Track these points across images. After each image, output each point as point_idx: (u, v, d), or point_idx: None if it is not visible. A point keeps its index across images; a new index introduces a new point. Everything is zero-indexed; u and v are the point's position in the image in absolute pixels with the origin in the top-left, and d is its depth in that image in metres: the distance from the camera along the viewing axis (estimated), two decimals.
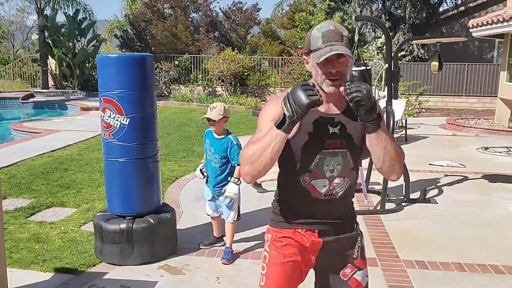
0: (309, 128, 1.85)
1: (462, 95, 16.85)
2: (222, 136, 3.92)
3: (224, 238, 4.28)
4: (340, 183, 1.92)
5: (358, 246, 2.05)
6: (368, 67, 5.36)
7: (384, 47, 11.49)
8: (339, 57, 1.78)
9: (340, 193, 1.94)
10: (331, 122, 1.87)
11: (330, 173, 1.89)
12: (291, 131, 1.73)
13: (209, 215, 4.20)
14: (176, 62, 18.83)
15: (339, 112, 1.90)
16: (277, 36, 20.43)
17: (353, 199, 2.11)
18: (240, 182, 3.81)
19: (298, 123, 1.76)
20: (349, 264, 2.03)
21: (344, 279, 2.02)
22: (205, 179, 4.10)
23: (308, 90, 1.67)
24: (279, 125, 1.71)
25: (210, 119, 3.85)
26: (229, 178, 3.88)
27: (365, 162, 6.14)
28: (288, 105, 1.68)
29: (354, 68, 5.14)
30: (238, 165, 3.73)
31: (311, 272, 2.09)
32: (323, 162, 1.87)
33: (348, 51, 1.76)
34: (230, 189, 3.82)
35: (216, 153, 3.91)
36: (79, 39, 20.31)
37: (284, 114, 1.69)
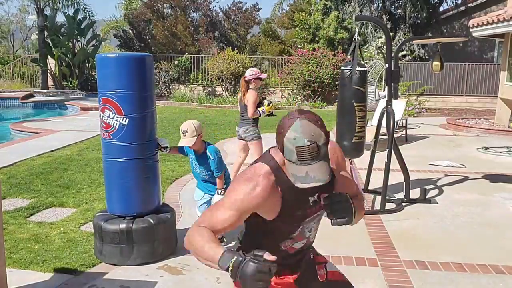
0: (291, 206, 1.81)
1: (462, 95, 16.85)
2: (202, 152, 4.03)
3: (224, 238, 4.28)
4: (314, 233, 2.04)
5: (311, 252, 2.14)
6: (365, 68, 5.36)
7: (384, 47, 11.49)
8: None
9: (312, 240, 2.06)
10: (310, 193, 1.84)
11: (309, 233, 1.99)
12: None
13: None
14: (176, 62, 18.82)
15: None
16: (277, 36, 20.43)
17: None
18: (223, 193, 3.98)
19: (280, 202, 1.77)
20: (316, 266, 2.10)
21: (324, 281, 2.08)
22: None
23: (261, 282, 1.53)
24: (223, 259, 1.59)
25: (189, 146, 3.97)
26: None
27: (365, 162, 6.14)
28: (234, 272, 1.55)
29: (358, 69, 5.14)
30: (220, 177, 4.01)
31: None
32: (305, 228, 1.94)
33: (326, 172, 1.63)
34: (217, 200, 3.93)
35: (201, 167, 4.08)
36: (78, 39, 20.30)
37: (228, 268, 1.57)
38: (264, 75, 5.69)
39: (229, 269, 1.56)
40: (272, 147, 1.85)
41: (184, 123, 3.97)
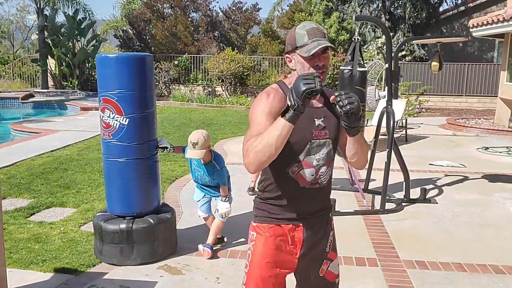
0: (299, 121, 1.90)
1: (462, 95, 16.85)
2: (208, 161, 3.99)
3: (224, 238, 4.28)
4: (324, 172, 2.03)
5: (330, 240, 2.14)
6: (364, 68, 5.36)
7: (384, 47, 11.49)
8: (324, 52, 1.92)
9: (324, 182, 2.04)
10: (316, 114, 2.00)
11: (317, 162, 2.00)
12: (296, 121, 1.79)
13: (200, 216, 4.34)
14: (176, 62, 18.82)
15: (321, 105, 2.03)
16: (277, 36, 20.43)
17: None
18: (227, 199, 4.02)
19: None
20: (324, 260, 2.12)
21: (322, 276, 2.12)
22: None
23: (305, 79, 1.75)
24: (284, 114, 1.79)
25: (201, 159, 3.93)
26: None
27: None
28: (290, 96, 1.76)
29: (359, 69, 5.13)
30: (225, 187, 4.01)
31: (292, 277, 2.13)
32: (311, 152, 1.98)
33: (333, 47, 1.92)
34: (223, 208, 4.00)
35: (205, 175, 4.06)
36: (78, 39, 20.30)
37: (288, 105, 1.78)
38: None
39: (290, 99, 1.76)
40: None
41: (193, 133, 3.87)
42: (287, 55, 1.99)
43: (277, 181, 2.01)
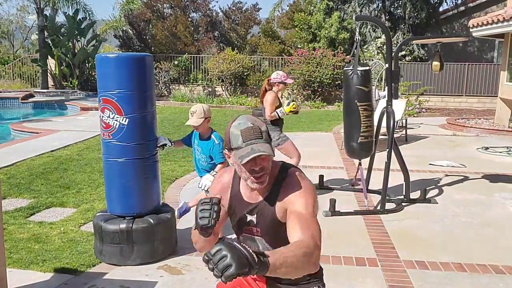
0: (233, 212, 1.98)
1: (462, 95, 16.85)
2: (207, 136, 4.06)
3: (225, 239, 4.29)
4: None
5: None
6: (367, 68, 5.35)
7: (384, 47, 11.49)
8: (258, 157, 1.76)
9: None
10: (249, 210, 1.93)
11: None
12: (208, 234, 1.78)
13: None
14: (176, 62, 18.82)
15: (260, 199, 1.90)
16: (277, 36, 20.43)
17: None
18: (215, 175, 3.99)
19: (228, 204, 1.97)
20: None
21: None
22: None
23: (201, 210, 1.71)
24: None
25: (194, 125, 4.01)
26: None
27: (365, 162, 6.14)
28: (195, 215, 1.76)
29: (359, 68, 5.13)
30: (221, 163, 3.99)
31: None
32: (246, 243, 1.89)
33: (269, 150, 1.75)
34: (205, 180, 3.99)
35: (202, 153, 4.08)
36: (78, 39, 20.30)
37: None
38: (290, 81, 5.44)
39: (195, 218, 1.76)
40: None
41: (193, 105, 4.07)
42: (225, 151, 1.88)
43: None
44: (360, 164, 5.62)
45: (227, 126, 1.85)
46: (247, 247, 1.36)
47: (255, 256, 1.35)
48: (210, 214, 1.69)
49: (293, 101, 5.43)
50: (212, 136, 4.04)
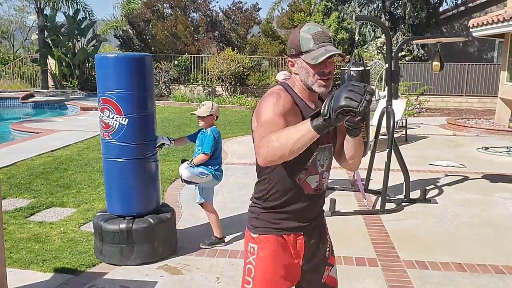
0: None
1: (462, 95, 16.85)
2: (205, 130, 4.16)
3: (225, 238, 4.28)
4: (326, 177, 2.02)
5: (329, 244, 2.12)
6: (367, 67, 5.35)
7: (384, 47, 11.48)
8: (329, 57, 1.79)
9: (324, 187, 2.03)
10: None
11: (322, 168, 1.96)
12: (323, 132, 1.58)
13: (197, 203, 4.34)
14: (176, 62, 18.82)
15: (318, 104, 1.94)
16: (277, 36, 20.44)
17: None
18: (193, 166, 4.04)
19: (302, 118, 1.78)
20: (326, 266, 2.08)
21: (323, 282, 2.08)
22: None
23: (351, 92, 1.49)
24: (313, 117, 1.58)
25: (198, 115, 4.11)
26: (209, 167, 4.10)
27: (365, 162, 6.14)
28: (327, 102, 1.54)
29: (353, 68, 5.13)
30: (204, 153, 4.03)
31: None
32: (317, 158, 1.92)
33: (339, 50, 1.83)
34: (181, 168, 4.05)
35: (200, 145, 4.16)
36: (78, 39, 20.30)
37: (319, 111, 1.56)
38: None
39: (325, 110, 1.52)
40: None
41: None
42: (289, 58, 1.87)
43: (283, 189, 1.92)
44: None
45: (293, 33, 1.85)
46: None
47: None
48: (361, 99, 1.48)
49: None
50: (209, 129, 4.13)
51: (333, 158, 2.04)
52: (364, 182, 5.94)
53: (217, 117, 4.18)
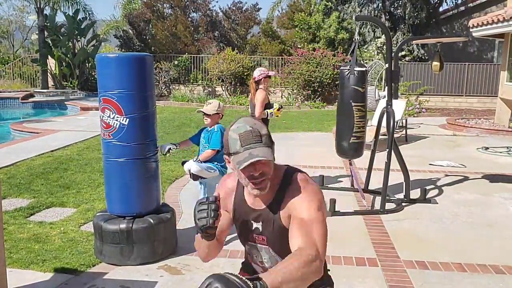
0: (238, 219, 1.91)
1: (462, 95, 16.85)
2: (211, 128, 4.24)
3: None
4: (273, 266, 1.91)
5: None
6: (366, 68, 5.36)
7: (384, 47, 11.48)
8: (255, 162, 1.68)
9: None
10: (254, 217, 1.86)
11: (261, 264, 1.95)
12: (211, 238, 1.77)
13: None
14: (176, 62, 18.82)
15: (263, 206, 1.83)
16: (277, 36, 20.44)
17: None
18: (199, 162, 4.12)
19: (232, 211, 1.89)
20: None
21: None
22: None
23: (200, 211, 1.69)
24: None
25: (205, 112, 4.19)
26: (215, 163, 4.17)
27: (365, 162, 6.14)
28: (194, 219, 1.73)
29: (357, 68, 5.13)
30: (212, 149, 4.11)
31: None
32: (252, 252, 1.95)
33: (269, 154, 1.68)
34: (187, 164, 4.13)
35: (206, 143, 4.23)
36: (78, 39, 20.30)
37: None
38: (272, 73, 5.62)
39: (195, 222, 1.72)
40: None
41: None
42: (225, 156, 1.79)
43: (245, 263, 2.09)
44: (350, 163, 5.63)
45: (226, 130, 1.78)
46: (239, 275, 1.28)
47: (250, 283, 1.27)
48: (207, 213, 1.66)
49: (281, 107, 5.57)
50: (215, 126, 4.22)
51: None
52: (358, 182, 5.95)
53: (222, 115, 4.29)
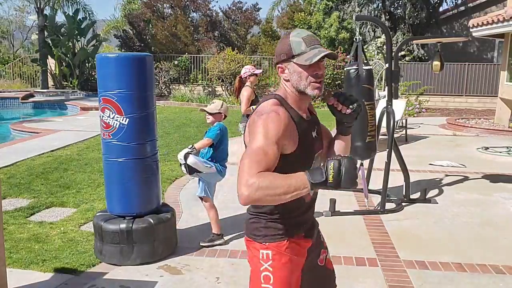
0: (303, 137, 1.85)
1: (462, 95, 16.86)
2: (213, 125, 4.29)
3: (224, 237, 4.29)
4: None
5: (320, 232, 2.15)
6: (369, 67, 5.34)
7: (384, 47, 11.49)
8: (321, 60, 1.80)
9: (317, 192, 2.02)
10: (312, 126, 1.95)
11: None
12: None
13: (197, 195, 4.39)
14: (176, 62, 18.82)
15: (314, 114, 2.01)
16: (277, 36, 20.45)
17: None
18: (194, 150, 4.11)
19: (297, 135, 1.81)
20: (322, 250, 2.12)
21: (322, 265, 2.11)
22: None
23: (354, 169, 1.62)
24: (318, 183, 1.60)
25: (207, 111, 4.25)
26: (213, 160, 4.23)
27: (365, 162, 6.14)
28: (336, 173, 1.57)
29: (364, 67, 5.10)
30: (208, 138, 4.16)
31: None
32: (315, 166, 1.94)
33: (335, 54, 1.84)
34: (181, 153, 4.11)
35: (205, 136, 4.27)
36: (78, 39, 20.31)
37: (327, 178, 1.59)
38: (258, 71, 5.75)
39: (330, 175, 1.58)
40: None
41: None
42: (279, 65, 1.86)
43: (286, 202, 1.84)
44: (361, 164, 5.61)
45: (282, 39, 1.86)
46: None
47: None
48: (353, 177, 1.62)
49: None
50: (216, 123, 4.28)
51: None
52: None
53: (225, 116, 4.34)
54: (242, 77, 5.64)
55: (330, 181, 1.58)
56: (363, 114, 5.09)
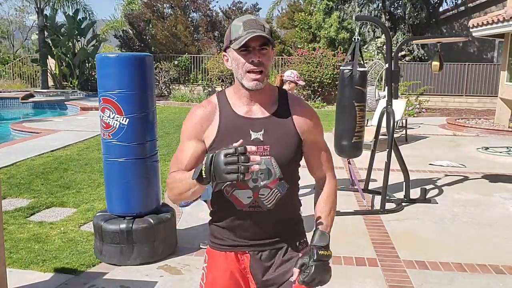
0: (228, 134, 1.67)
1: (462, 95, 16.86)
2: None
3: None
4: (267, 195, 1.73)
5: (299, 271, 1.74)
6: (365, 68, 5.36)
7: (384, 47, 11.49)
8: (262, 48, 1.62)
9: (269, 206, 1.74)
10: (253, 126, 1.70)
11: (254, 183, 1.70)
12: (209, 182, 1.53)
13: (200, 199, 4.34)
14: (176, 62, 18.82)
15: (267, 114, 1.72)
16: (277, 36, 20.44)
17: (298, 214, 1.91)
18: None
19: (216, 129, 1.70)
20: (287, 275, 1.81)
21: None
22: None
23: (227, 165, 1.41)
24: (197, 178, 1.51)
25: None
26: None
27: (365, 162, 6.14)
28: (207, 168, 1.46)
29: (359, 69, 5.13)
30: None
31: None
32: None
33: (271, 40, 1.63)
34: None
35: None
36: (79, 39, 20.31)
37: (201, 174, 1.49)
38: (302, 82, 5.49)
39: (203, 171, 1.47)
40: None
41: None
42: (224, 53, 1.72)
43: (217, 201, 1.81)
44: (349, 163, 5.63)
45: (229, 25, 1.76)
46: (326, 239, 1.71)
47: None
48: (238, 168, 1.41)
49: None
50: None
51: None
52: (358, 181, 5.94)
53: None
54: (284, 79, 5.35)
55: (204, 176, 1.48)
56: (353, 115, 5.14)
